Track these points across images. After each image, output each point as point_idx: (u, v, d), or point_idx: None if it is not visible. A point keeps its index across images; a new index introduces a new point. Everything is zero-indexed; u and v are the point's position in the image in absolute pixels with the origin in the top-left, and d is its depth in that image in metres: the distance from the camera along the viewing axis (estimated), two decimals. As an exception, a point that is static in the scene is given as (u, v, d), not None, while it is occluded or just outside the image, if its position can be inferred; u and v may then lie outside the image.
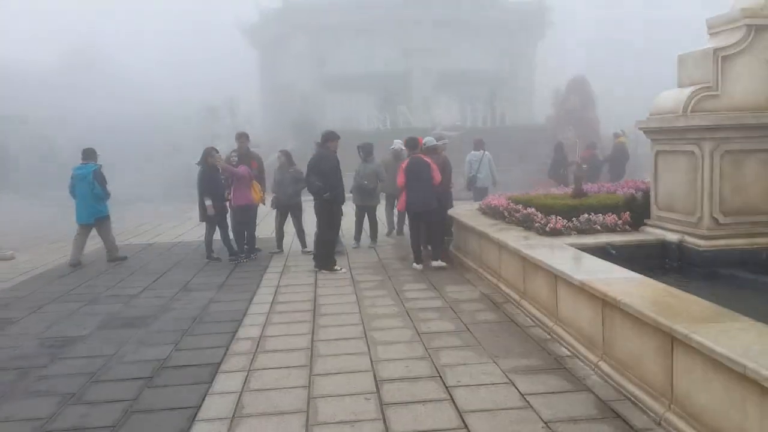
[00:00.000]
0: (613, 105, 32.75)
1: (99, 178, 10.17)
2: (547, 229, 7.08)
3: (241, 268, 9.28)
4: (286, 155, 10.27)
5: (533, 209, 7.89)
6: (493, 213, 8.96)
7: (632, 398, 4.09)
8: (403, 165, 9.07)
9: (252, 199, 9.65)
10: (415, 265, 8.84)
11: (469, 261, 8.76)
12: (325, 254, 8.84)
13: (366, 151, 10.73)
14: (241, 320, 6.46)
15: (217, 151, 9.82)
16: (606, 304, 4.52)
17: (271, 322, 6.37)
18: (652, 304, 4.10)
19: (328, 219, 8.83)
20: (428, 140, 9.31)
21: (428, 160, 8.93)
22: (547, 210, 7.78)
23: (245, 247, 9.91)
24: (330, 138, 8.80)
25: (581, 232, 7.14)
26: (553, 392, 4.29)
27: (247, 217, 9.76)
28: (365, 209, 10.82)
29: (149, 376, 4.94)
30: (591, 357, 4.76)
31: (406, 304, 6.85)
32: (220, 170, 9.52)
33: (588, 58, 42.56)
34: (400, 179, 8.94)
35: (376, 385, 4.54)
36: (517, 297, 6.60)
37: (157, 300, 7.51)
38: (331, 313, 6.59)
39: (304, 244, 10.24)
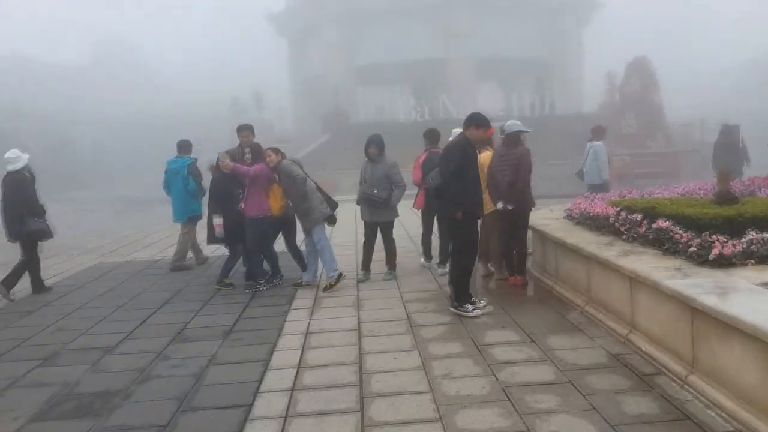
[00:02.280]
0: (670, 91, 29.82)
1: (194, 173, 9.08)
2: (711, 257, 4.66)
3: (259, 301, 7.05)
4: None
5: (669, 222, 5.49)
6: (594, 224, 6.58)
7: None
8: (420, 160, 8.06)
9: (267, 208, 7.34)
10: (422, 260, 8.44)
11: (567, 293, 6.40)
12: (458, 286, 6.18)
13: (376, 145, 7.55)
14: (250, 405, 4.21)
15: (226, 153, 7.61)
16: None
17: (295, 411, 4.10)
18: None
19: (461, 237, 6.21)
20: (510, 125, 6.86)
21: None
22: (689, 222, 5.37)
23: (266, 270, 7.68)
24: (472, 123, 6.08)
25: (762, 260, 4.71)
26: None
27: (261, 233, 7.44)
28: (376, 227, 7.82)
29: None
30: None
31: (499, 373, 4.52)
32: (230, 171, 7.23)
33: (638, 45, 39.46)
34: (417, 175, 8.03)
35: None
36: (677, 368, 4.21)
37: (137, 359, 5.30)
38: (387, 393, 4.29)
39: (274, 271, 7.78)
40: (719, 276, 4.36)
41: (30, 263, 7.96)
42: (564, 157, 21.48)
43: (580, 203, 7.72)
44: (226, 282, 7.69)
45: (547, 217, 7.92)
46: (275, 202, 7.28)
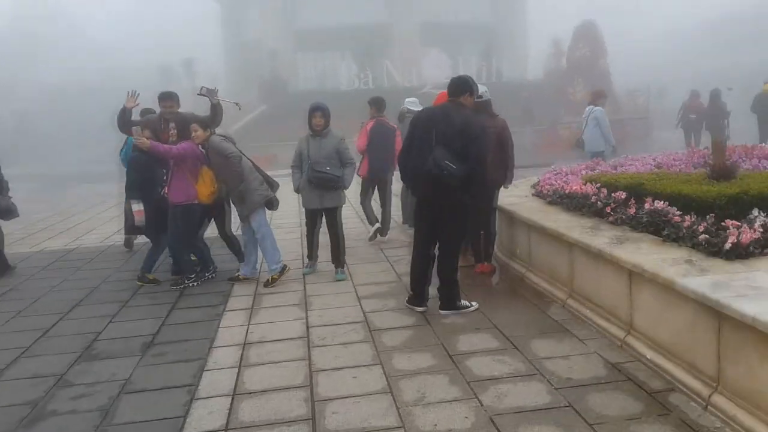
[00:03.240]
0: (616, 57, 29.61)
1: None
2: (728, 246, 3.93)
3: (188, 301, 6.02)
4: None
5: (663, 203, 4.76)
6: (571, 203, 5.82)
7: None
8: (368, 127, 7.91)
9: (194, 194, 6.21)
10: (370, 233, 8.03)
11: (544, 283, 5.65)
12: (453, 287, 5.27)
13: (323, 115, 6.34)
14: (170, 457, 3.27)
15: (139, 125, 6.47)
16: None
17: (229, 462, 3.19)
18: None
19: (461, 226, 5.25)
20: (482, 91, 5.85)
21: (394, 125, 8.04)
22: (687, 202, 4.68)
23: (194, 264, 6.64)
24: (467, 89, 5.11)
25: (780, 248, 4.02)
26: None
27: (187, 222, 6.31)
28: (320, 214, 6.65)
29: None
30: None
31: (483, 395, 3.70)
32: (147, 149, 6.04)
33: (584, 8, 39.12)
34: (362, 143, 7.89)
35: None
36: (695, 384, 3.48)
37: (31, 387, 4.24)
38: (345, 428, 3.42)
39: (205, 264, 6.72)
40: (741, 271, 3.64)
41: None
42: (512, 125, 20.90)
43: (549, 179, 6.98)
44: (149, 277, 6.61)
45: (512, 194, 7.10)
46: (204, 188, 6.14)
